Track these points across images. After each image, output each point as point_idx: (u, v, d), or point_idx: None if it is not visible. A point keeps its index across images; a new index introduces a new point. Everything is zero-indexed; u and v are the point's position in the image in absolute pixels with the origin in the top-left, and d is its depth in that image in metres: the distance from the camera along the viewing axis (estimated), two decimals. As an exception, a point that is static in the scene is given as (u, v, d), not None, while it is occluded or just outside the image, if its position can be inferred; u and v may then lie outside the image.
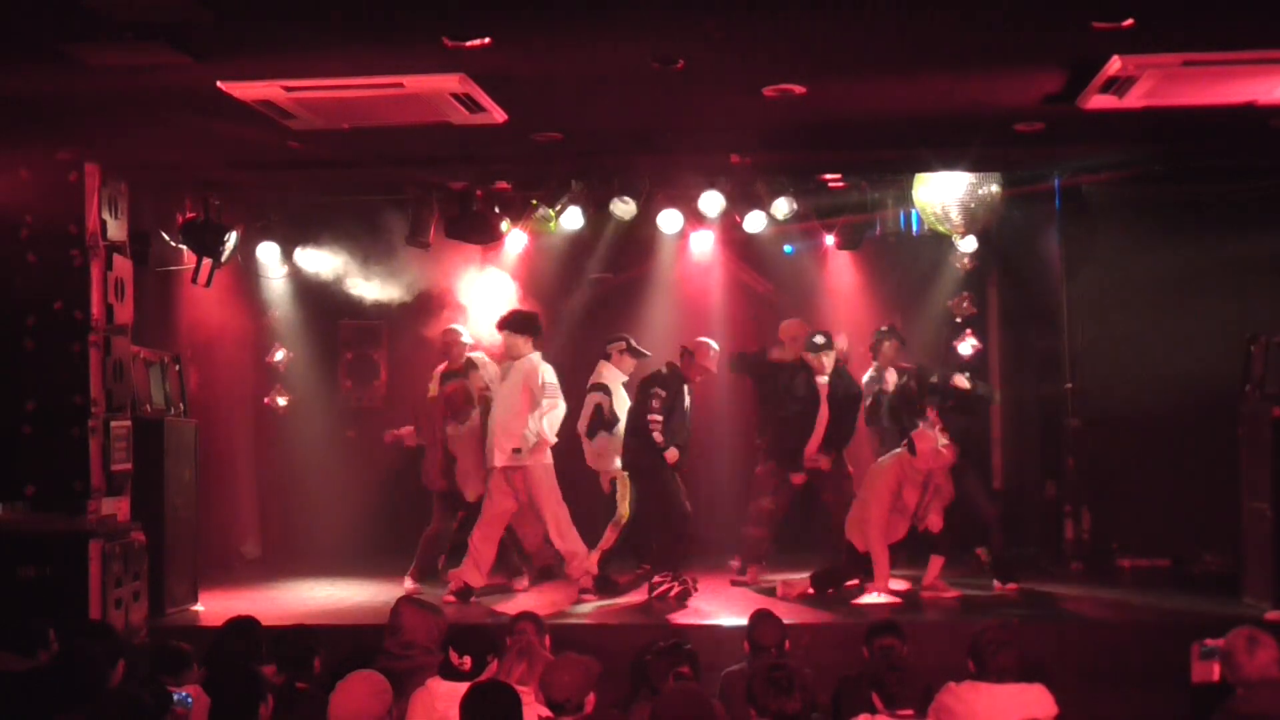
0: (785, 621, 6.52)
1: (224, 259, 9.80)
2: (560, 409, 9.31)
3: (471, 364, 10.01)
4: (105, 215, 8.27)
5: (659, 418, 9.10)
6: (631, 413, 9.39)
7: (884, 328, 10.57)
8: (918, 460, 8.79)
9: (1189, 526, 10.15)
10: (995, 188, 9.76)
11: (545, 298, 11.17)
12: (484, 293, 10.93)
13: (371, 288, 11.23)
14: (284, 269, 11.32)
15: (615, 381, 9.74)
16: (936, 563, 9.19)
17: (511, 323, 9.31)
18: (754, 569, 9.84)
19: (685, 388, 9.33)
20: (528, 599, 9.22)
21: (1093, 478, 10.66)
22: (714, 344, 9.60)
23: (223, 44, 5.95)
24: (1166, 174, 9.69)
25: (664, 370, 9.38)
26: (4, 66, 6.29)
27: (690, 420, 9.41)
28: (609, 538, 9.63)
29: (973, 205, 9.71)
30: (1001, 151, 8.82)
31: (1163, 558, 10.31)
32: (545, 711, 4.94)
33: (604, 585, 9.34)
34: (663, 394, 9.14)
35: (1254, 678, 4.97)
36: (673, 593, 9.03)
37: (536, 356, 9.24)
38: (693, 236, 11.24)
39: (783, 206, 9.95)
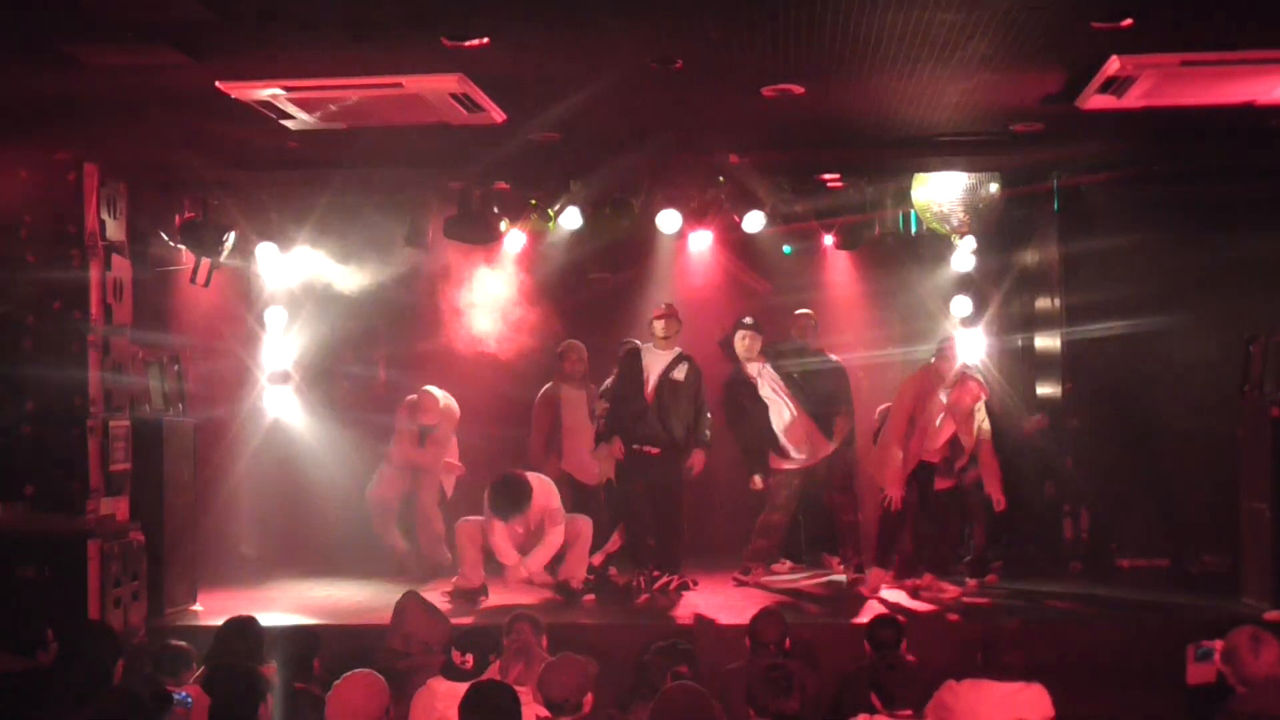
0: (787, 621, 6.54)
1: (222, 259, 9.80)
2: None
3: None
4: (104, 215, 8.27)
5: (604, 404, 9.40)
6: None
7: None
8: None
9: (1188, 527, 10.15)
10: (994, 188, 9.76)
11: (544, 297, 11.16)
12: (482, 292, 10.94)
13: (369, 288, 11.21)
14: (281, 269, 11.30)
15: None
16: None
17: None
18: (759, 569, 9.80)
19: (650, 362, 9.41)
20: (525, 599, 9.22)
21: (1091, 478, 10.65)
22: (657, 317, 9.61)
23: (222, 44, 5.95)
24: (1166, 174, 9.68)
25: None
26: (3, 66, 6.28)
27: (664, 403, 9.38)
28: (614, 541, 9.63)
29: (973, 205, 9.71)
30: (1000, 151, 8.82)
31: (1162, 558, 10.30)
32: (543, 711, 4.95)
33: (603, 585, 9.35)
34: (607, 381, 9.45)
35: (1259, 677, 4.97)
36: (671, 585, 9.07)
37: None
38: (691, 236, 11.23)
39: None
